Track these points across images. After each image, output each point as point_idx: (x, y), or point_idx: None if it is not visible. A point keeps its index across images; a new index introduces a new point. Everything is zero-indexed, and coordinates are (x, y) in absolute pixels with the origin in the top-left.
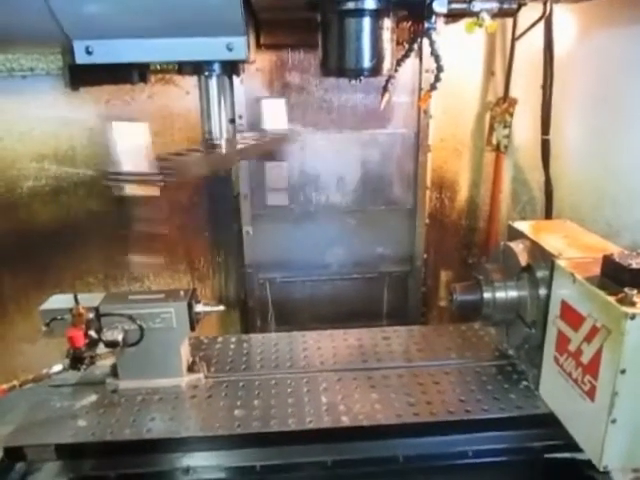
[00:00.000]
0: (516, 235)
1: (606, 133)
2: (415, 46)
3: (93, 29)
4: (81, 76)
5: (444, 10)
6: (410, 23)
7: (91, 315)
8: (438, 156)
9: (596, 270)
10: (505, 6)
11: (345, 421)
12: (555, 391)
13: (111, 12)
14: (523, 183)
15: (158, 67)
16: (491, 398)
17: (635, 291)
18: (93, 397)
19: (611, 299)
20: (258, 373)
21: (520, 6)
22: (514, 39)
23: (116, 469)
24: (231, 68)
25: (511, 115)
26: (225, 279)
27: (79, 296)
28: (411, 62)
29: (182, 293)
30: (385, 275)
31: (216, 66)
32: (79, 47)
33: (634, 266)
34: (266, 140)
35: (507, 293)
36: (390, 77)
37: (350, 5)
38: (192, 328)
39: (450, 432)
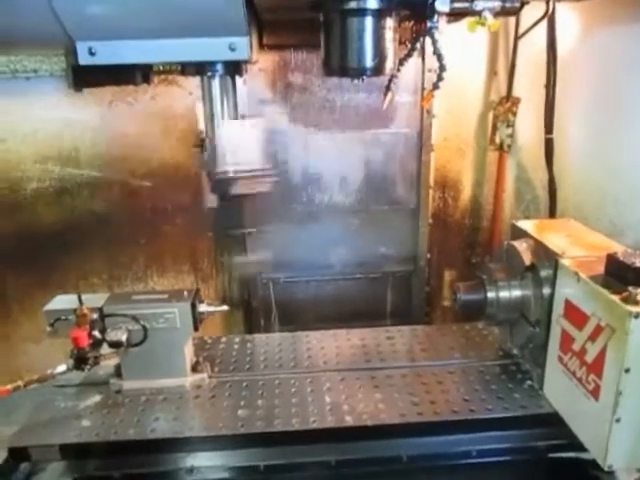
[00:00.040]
0: (520, 234)
1: (609, 132)
2: (417, 45)
3: (96, 30)
4: (84, 77)
5: (446, 9)
6: (412, 22)
7: (95, 315)
8: (441, 155)
9: (600, 269)
10: (507, 5)
11: (349, 421)
12: (559, 390)
13: (114, 13)
14: (526, 182)
15: (161, 68)
16: (495, 397)
17: (639, 290)
18: (97, 397)
19: (615, 298)
20: (262, 373)
21: (522, 5)
22: (517, 38)
23: (120, 469)
24: (234, 68)
25: (514, 114)
26: (229, 279)
27: (83, 296)
28: (414, 61)
29: (186, 293)
30: (388, 275)
31: (219, 66)
32: (82, 48)
33: (638, 265)
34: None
35: (511, 292)
36: (393, 77)
37: (352, 5)
38: (196, 328)
39: (454, 432)
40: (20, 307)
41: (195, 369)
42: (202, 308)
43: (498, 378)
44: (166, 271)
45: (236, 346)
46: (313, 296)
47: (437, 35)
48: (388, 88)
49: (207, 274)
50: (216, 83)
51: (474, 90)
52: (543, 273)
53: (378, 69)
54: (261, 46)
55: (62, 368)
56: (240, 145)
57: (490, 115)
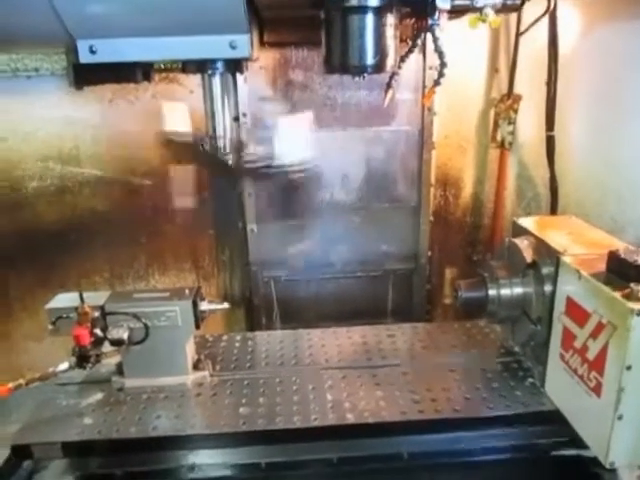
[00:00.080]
0: (521, 231)
1: (610, 129)
2: (418, 42)
3: (97, 28)
4: (85, 75)
5: (447, 6)
6: (413, 19)
7: (97, 313)
8: (442, 153)
9: (601, 266)
10: (509, 1)
11: (350, 418)
12: (561, 388)
13: (114, 11)
14: (528, 179)
15: (162, 66)
16: (497, 395)
17: None
18: (99, 395)
19: (617, 295)
20: (263, 371)
21: (524, 1)
22: (518, 35)
23: (122, 467)
24: (235, 66)
25: (515, 111)
26: (230, 277)
27: (85, 295)
28: (415, 59)
29: (187, 291)
30: (389, 273)
31: (220, 64)
32: (83, 46)
33: (639, 262)
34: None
35: (512, 290)
36: (394, 74)
37: (353, 2)
38: (197, 326)
39: (455, 429)
40: (21, 305)
41: (196, 367)
42: (203, 306)
43: (500, 376)
44: (167, 269)
45: (237, 344)
46: (314, 294)
47: (438, 32)
48: (389, 85)
49: (208, 272)
50: (217, 81)
51: (475, 87)
52: (544, 270)
53: (379, 66)
54: (262, 44)
55: (64, 366)
56: (289, 138)
57: (491, 112)
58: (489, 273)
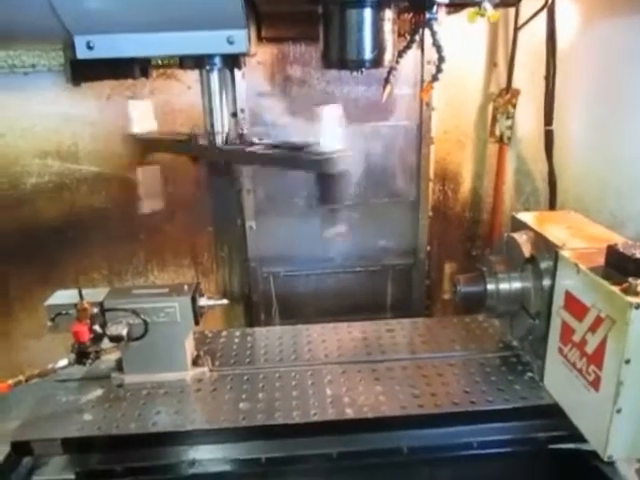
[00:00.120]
0: (520, 226)
1: (609, 123)
2: (417, 37)
3: (94, 24)
4: (82, 71)
5: (445, 0)
6: (411, 14)
7: (95, 310)
8: (441, 148)
9: (600, 260)
10: None
11: (350, 413)
12: (559, 382)
13: (112, 7)
14: (526, 174)
15: (159, 62)
16: (495, 389)
17: (639, 281)
18: (99, 391)
19: (615, 289)
20: (262, 366)
21: None
22: (516, 29)
23: (122, 463)
24: (232, 61)
25: (514, 106)
26: (229, 273)
27: (83, 291)
28: (413, 54)
29: (186, 287)
30: (389, 268)
31: (217, 60)
32: (80, 42)
33: (638, 256)
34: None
35: (511, 284)
36: (392, 69)
37: None
38: (196, 322)
39: (455, 423)
40: (21, 303)
41: (196, 363)
42: (202, 302)
43: (498, 370)
44: (166, 265)
45: (237, 340)
46: (313, 290)
47: (436, 26)
48: (387, 80)
49: (207, 268)
50: (215, 76)
51: (473, 82)
52: (543, 265)
53: (377, 61)
54: (259, 39)
55: (63, 363)
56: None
57: (490, 107)
58: (488, 268)
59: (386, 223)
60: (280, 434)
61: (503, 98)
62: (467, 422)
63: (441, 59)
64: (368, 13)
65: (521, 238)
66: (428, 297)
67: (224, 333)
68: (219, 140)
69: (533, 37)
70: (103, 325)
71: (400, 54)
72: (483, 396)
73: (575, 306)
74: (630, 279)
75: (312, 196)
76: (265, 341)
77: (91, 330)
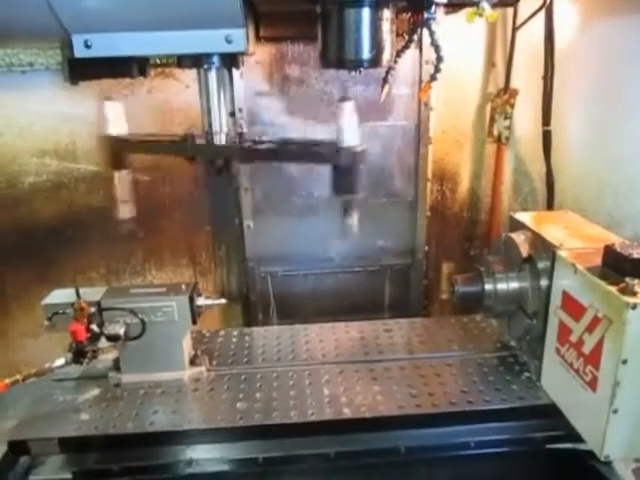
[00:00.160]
0: (517, 226)
1: (607, 124)
2: (415, 37)
3: (92, 23)
4: (80, 70)
5: (444, 0)
6: (410, 14)
7: (93, 309)
8: (439, 148)
9: (597, 260)
10: None
11: (347, 413)
12: (557, 382)
13: (109, 5)
14: (524, 174)
15: (157, 61)
16: (493, 389)
17: (636, 281)
18: (96, 391)
19: (612, 289)
20: (260, 366)
21: None
22: (515, 29)
23: (119, 462)
24: (230, 61)
25: (512, 106)
26: (227, 273)
27: (81, 290)
28: (411, 53)
29: (184, 287)
30: (386, 268)
31: (215, 59)
32: (78, 41)
33: (635, 256)
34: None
35: (508, 284)
36: (390, 68)
37: None
38: (194, 322)
39: (452, 423)
40: (18, 302)
41: (193, 362)
42: (200, 301)
43: (496, 370)
44: (164, 265)
45: (234, 339)
46: (311, 289)
47: (434, 26)
48: (385, 80)
49: (205, 268)
50: (213, 75)
51: (472, 82)
52: (541, 265)
53: (375, 61)
54: (258, 38)
55: (60, 362)
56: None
57: (488, 107)
58: (486, 268)
59: (384, 223)
60: (277, 434)
61: (501, 98)
62: (464, 422)
63: (439, 59)
64: (366, 13)
65: (519, 238)
66: (426, 297)
67: (222, 333)
68: (220, 139)
69: (531, 37)
70: (100, 324)
71: (398, 54)
72: (480, 396)
73: (572, 306)
74: (627, 279)
75: (311, 195)
76: (263, 341)
77: (88, 329)
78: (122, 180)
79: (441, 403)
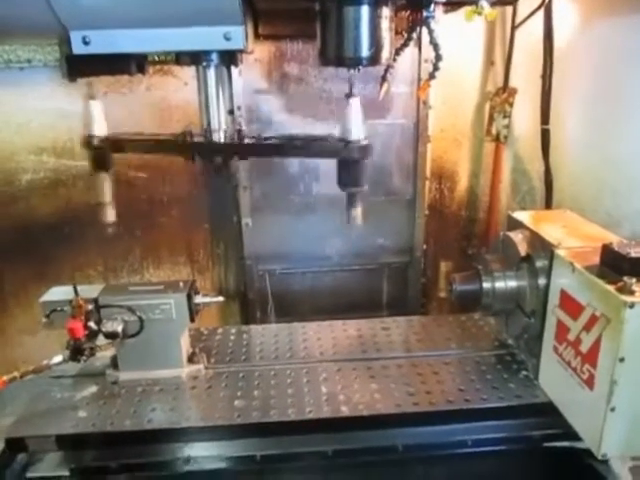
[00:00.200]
0: (516, 225)
1: (606, 123)
2: (414, 35)
3: (90, 19)
4: (78, 67)
5: None
6: (409, 12)
7: (91, 306)
8: (438, 146)
9: (595, 259)
10: None
11: (345, 411)
12: (554, 380)
13: (108, 2)
14: (523, 173)
15: (156, 58)
16: (490, 387)
17: (634, 280)
18: (93, 388)
19: (610, 288)
20: (258, 364)
21: None
22: (514, 28)
23: (117, 459)
24: (229, 58)
25: (511, 105)
26: (225, 271)
27: (79, 288)
28: (410, 52)
29: (181, 284)
30: (385, 266)
31: (214, 56)
32: (76, 37)
33: (633, 255)
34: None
35: (506, 283)
36: (389, 67)
37: None
38: (192, 319)
39: (449, 421)
40: (16, 299)
41: (191, 360)
42: (198, 299)
43: (494, 368)
44: (162, 263)
45: (232, 337)
46: (309, 287)
47: (433, 25)
48: (384, 78)
49: (203, 266)
50: (211, 73)
51: (471, 80)
52: (539, 264)
53: (374, 59)
54: (257, 36)
55: (58, 359)
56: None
57: (487, 106)
58: (484, 266)
59: (382, 221)
60: (275, 432)
61: (500, 97)
62: (462, 420)
63: (438, 57)
64: (365, 10)
65: (517, 237)
66: (424, 295)
67: (220, 330)
68: (219, 136)
69: (530, 36)
70: (98, 322)
71: (397, 52)
72: (478, 394)
73: (570, 305)
74: (625, 278)
75: (310, 193)
76: (261, 339)
77: (86, 327)
78: (107, 181)
79: (438, 401)
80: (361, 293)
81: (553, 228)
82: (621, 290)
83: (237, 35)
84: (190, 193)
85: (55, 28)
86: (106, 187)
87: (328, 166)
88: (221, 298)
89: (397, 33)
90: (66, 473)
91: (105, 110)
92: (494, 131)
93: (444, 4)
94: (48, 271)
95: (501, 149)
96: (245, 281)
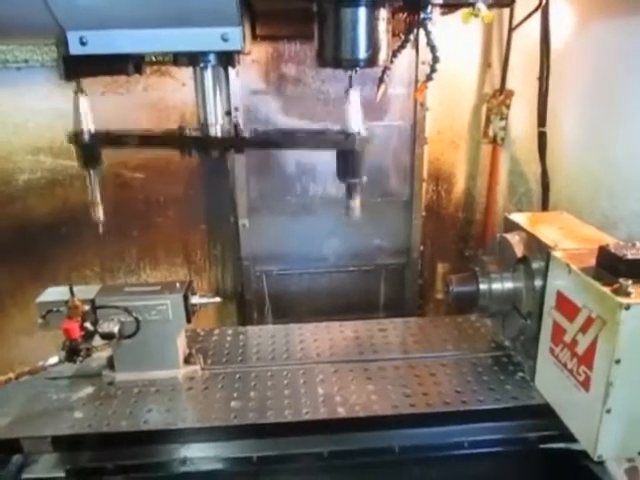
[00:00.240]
0: (512, 227)
1: (603, 125)
2: (411, 37)
3: (87, 19)
4: (76, 67)
5: (440, 0)
6: (406, 14)
7: (87, 307)
8: (435, 148)
9: (592, 261)
10: None
11: (341, 412)
12: (550, 382)
13: (105, 2)
14: (520, 175)
15: (153, 58)
16: (487, 389)
17: (630, 282)
18: (89, 389)
19: (606, 290)
20: (254, 365)
21: None
22: (511, 30)
23: (113, 460)
24: (226, 59)
25: (508, 107)
26: (222, 272)
27: (75, 288)
28: (407, 54)
29: (178, 285)
30: (382, 267)
31: (211, 57)
32: (73, 38)
33: (629, 257)
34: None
35: (503, 284)
36: (386, 68)
37: None
38: (188, 320)
39: (446, 423)
40: (12, 299)
41: (188, 361)
42: (195, 300)
43: (490, 370)
44: (159, 263)
45: (229, 338)
46: (306, 288)
47: (430, 27)
48: (381, 80)
49: (200, 266)
50: (209, 74)
51: (468, 82)
52: (535, 265)
53: (371, 60)
54: (254, 37)
55: (54, 360)
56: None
57: (484, 108)
58: (480, 268)
59: (380, 222)
60: (272, 433)
61: (497, 99)
62: (458, 422)
63: (435, 59)
64: (363, 12)
65: (513, 239)
66: (421, 297)
67: (216, 331)
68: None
69: (527, 38)
70: (94, 322)
71: (394, 54)
72: (474, 396)
73: (566, 306)
74: (621, 280)
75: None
76: (257, 340)
77: (82, 327)
78: (96, 179)
79: (435, 403)
80: (358, 294)
81: (549, 230)
82: (617, 292)
83: (235, 36)
84: (187, 194)
85: (52, 28)
86: (95, 185)
87: (325, 167)
88: (218, 299)
89: (394, 35)
90: (62, 474)
91: (103, 110)
92: (491, 133)
93: (441, 6)
94: (45, 271)
95: (498, 151)
96: (242, 282)
